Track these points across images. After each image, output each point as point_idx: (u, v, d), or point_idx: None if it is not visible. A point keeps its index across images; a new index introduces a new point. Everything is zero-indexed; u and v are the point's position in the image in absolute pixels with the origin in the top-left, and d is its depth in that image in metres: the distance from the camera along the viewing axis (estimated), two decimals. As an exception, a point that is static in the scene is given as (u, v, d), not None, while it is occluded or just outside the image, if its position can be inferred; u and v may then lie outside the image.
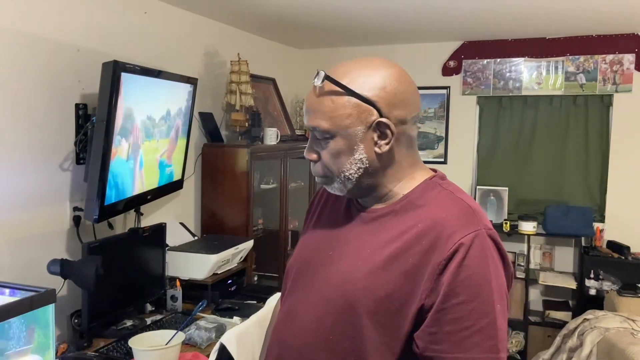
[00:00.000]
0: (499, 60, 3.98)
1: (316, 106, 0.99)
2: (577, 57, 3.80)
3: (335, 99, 0.97)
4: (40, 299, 1.44)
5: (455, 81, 4.10)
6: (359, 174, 1.00)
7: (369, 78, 0.97)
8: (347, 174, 1.00)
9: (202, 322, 2.18)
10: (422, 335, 0.90)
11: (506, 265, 0.95)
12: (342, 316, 0.95)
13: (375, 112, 0.96)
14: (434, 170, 1.07)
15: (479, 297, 0.88)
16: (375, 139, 0.98)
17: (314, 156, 1.03)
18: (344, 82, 0.96)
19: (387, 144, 0.98)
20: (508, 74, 3.97)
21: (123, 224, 2.51)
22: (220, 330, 2.13)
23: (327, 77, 0.97)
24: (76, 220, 2.22)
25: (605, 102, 3.79)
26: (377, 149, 0.98)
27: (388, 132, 0.97)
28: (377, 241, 0.98)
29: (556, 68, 3.86)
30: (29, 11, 2.02)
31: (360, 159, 0.98)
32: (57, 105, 2.15)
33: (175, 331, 1.84)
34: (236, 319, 2.31)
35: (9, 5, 1.94)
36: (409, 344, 0.92)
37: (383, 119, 0.96)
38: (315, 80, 0.98)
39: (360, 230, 1.03)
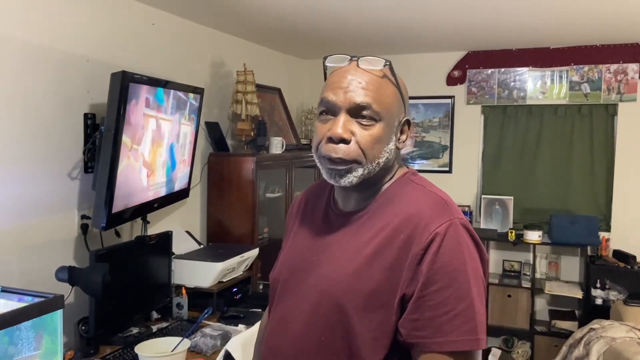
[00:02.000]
0: (503, 69, 3.99)
1: (373, 87, 0.99)
2: (581, 66, 3.81)
3: (388, 86, 1.02)
4: (49, 304, 1.46)
5: (459, 91, 4.12)
6: (384, 163, 1.03)
7: (400, 79, 1.05)
8: (379, 161, 1.01)
9: (207, 330, 2.20)
10: (405, 323, 0.93)
11: (480, 251, 0.98)
12: (332, 317, 0.98)
13: (404, 110, 1.06)
14: (406, 167, 1.12)
15: (456, 283, 0.91)
16: (399, 134, 1.05)
17: (350, 135, 0.99)
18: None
19: (404, 141, 1.06)
20: (512, 84, 3.98)
21: (130, 232, 2.54)
22: (226, 337, 2.14)
23: (389, 64, 1.01)
24: (84, 228, 2.24)
25: (609, 111, 3.80)
26: (398, 144, 1.05)
27: (406, 130, 1.07)
28: (357, 241, 1.01)
29: (560, 77, 3.87)
30: (39, 22, 2.06)
31: (390, 149, 1.03)
32: (66, 115, 2.18)
33: (181, 338, 1.86)
34: (241, 326, 2.32)
35: (20, 16, 1.99)
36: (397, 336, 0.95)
37: (408, 118, 1.07)
38: (376, 61, 1.00)
39: (341, 233, 1.05)
